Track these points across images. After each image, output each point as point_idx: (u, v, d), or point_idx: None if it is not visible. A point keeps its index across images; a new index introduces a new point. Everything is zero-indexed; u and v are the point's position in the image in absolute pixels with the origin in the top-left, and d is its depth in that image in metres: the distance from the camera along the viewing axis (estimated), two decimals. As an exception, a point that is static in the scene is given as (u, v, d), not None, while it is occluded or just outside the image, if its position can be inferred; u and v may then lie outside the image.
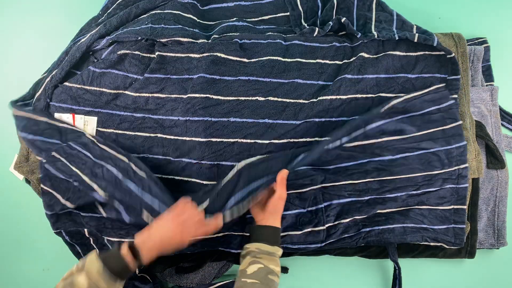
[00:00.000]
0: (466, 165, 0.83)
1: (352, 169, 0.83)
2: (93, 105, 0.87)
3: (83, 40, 0.87)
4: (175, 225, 0.65)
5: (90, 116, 0.87)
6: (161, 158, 0.86)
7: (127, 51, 0.86)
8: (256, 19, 0.94)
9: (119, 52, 0.86)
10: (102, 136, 0.87)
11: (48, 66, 0.92)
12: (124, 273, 0.61)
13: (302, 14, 0.92)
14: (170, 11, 0.89)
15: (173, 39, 0.85)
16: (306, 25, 0.91)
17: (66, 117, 0.86)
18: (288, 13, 0.93)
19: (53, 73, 0.86)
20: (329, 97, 0.86)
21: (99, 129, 0.87)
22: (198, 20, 0.92)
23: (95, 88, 0.86)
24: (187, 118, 0.85)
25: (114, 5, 0.94)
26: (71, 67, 0.87)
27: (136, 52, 0.86)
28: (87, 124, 0.87)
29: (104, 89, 0.87)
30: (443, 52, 0.85)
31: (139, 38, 0.85)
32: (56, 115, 0.86)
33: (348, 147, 0.80)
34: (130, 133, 0.87)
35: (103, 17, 0.94)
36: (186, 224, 0.66)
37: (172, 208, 0.68)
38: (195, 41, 0.86)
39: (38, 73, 0.93)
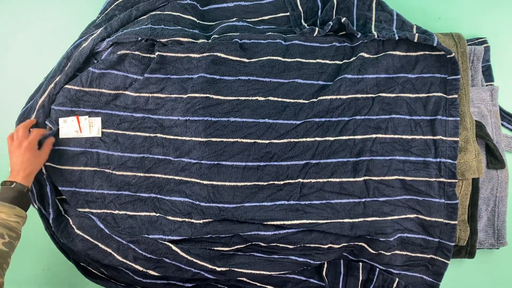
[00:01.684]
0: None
1: None
2: (93, 106, 0.87)
3: (85, 44, 0.87)
4: (17, 150, 0.80)
5: (94, 117, 0.87)
6: (161, 158, 0.86)
7: (127, 51, 0.86)
8: (256, 19, 0.94)
9: (119, 53, 0.85)
10: (102, 137, 0.87)
11: (48, 67, 0.92)
12: (8, 197, 0.75)
13: (302, 14, 0.92)
14: (170, 12, 0.89)
15: (173, 39, 0.85)
16: (306, 25, 0.91)
17: (71, 120, 0.86)
18: (288, 13, 0.93)
19: (57, 79, 0.86)
20: (329, 97, 0.86)
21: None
22: (198, 21, 0.92)
23: (95, 90, 0.86)
24: (187, 118, 0.85)
25: (112, 6, 0.94)
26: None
27: (136, 52, 0.86)
28: (92, 126, 0.87)
29: (103, 90, 0.87)
30: (443, 52, 0.85)
31: (139, 38, 0.85)
32: (61, 120, 0.86)
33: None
34: (130, 133, 0.87)
35: (100, 18, 0.93)
36: (23, 145, 0.80)
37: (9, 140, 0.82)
38: (195, 41, 0.86)
39: (38, 74, 0.93)
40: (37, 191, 0.86)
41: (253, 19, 0.94)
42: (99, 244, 0.83)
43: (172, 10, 0.89)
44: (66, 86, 0.86)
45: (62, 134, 0.87)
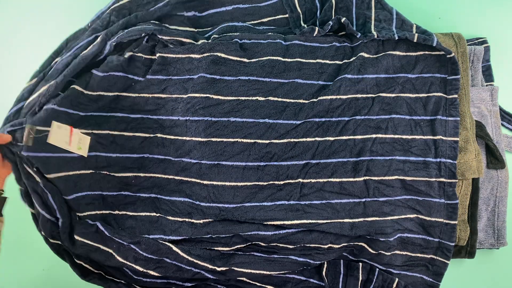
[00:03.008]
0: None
1: None
2: (90, 108, 0.84)
3: (85, 52, 0.83)
4: None
5: (85, 135, 0.83)
6: (161, 158, 0.86)
7: (130, 53, 0.85)
8: (255, 21, 0.94)
9: (121, 55, 0.85)
10: (99, 139, 0.85)
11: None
12: None
13: (301, 16, 0.92)
14: (167, 25, 0.89)
15: (175, 38, 0.84)
16: (305, 26, 0.91)
17: (65, 128, 0.80)
18: (287, 15, 0.93)
19: (51, 82, 0.81)
20: (329, 97, 0.86)
21: (94, 131, 0.85)
22: (196, 30, 0.92)
23: (94, 93, 0.84)
24: (187, 118, 0.85)
25: (107, 10, 0.91)
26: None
27: (139, 54, 0.85)
28: (80, 143, 0.82)
29: (102, 93, 0.85)
30: (443, 52, 0.85)
31: (143, 35, 0.84)
32: (55, 124, 0.79)
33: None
34: (128, 134, 0.87)
35: (96, 22, 0.90)
36: None
37: None
38: (196, 42, 0.86)
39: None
40: (38, 200, 0.81)
41: (252, 22, 0.94)
42: (101, 246, 0.82)
43: (170, 24, 0.89)
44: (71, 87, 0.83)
45: (51, 140, 0.78)
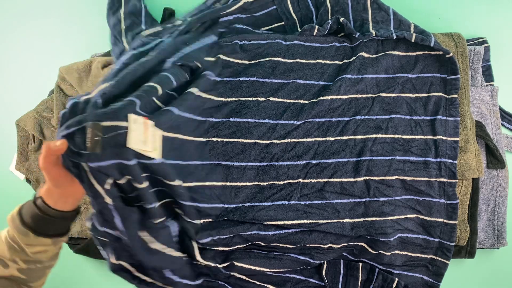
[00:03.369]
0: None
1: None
2: None
3: (143, 61, 0.74)
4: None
5: (158, 129, 0.66)
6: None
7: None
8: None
9: None
10: None
11: (48, 67, 0.92)
12: (35, 223, 0.58)
13: (297, 22, 0.92)
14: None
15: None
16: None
17: (140, 122, 0.61)
18: (283, 23, 0.93)
19: (111, 82, 0.67)
20: (329, 97, 0.86)
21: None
22: None
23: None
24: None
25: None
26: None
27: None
28: (155, 140, 0.64)
29: None
30: (442, 52, 0.85)
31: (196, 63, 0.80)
32: (131, 117, 0.60)
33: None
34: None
35: (132, 44, 0.83)
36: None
37: None
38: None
39: (37, 73, 0.93)
40: (99, 219, 0.69)
41: None
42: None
43: None
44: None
45: (132, 143, 0.56)
